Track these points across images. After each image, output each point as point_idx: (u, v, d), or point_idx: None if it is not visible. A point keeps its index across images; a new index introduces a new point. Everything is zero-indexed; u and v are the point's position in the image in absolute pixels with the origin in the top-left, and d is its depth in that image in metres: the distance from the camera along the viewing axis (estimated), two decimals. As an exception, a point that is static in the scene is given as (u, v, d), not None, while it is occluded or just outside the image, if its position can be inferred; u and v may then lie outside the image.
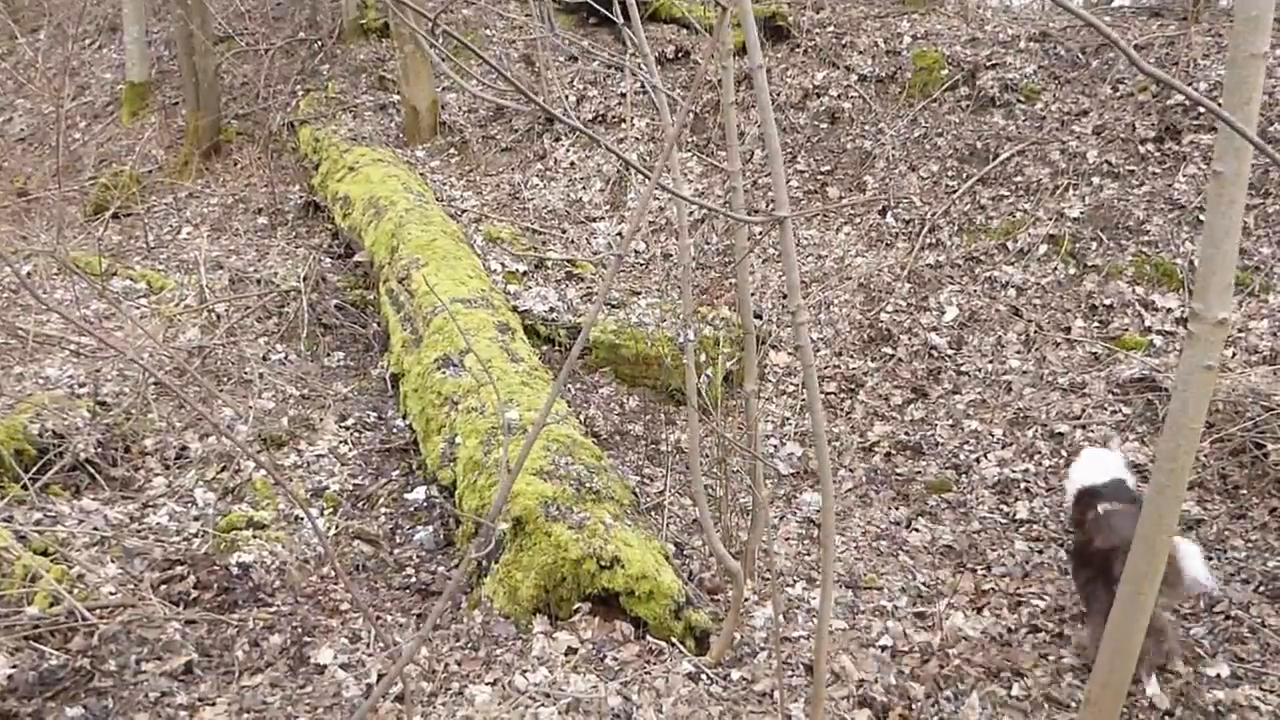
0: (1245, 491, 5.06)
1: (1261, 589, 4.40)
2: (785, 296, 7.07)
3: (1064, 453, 5.63)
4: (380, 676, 3.68)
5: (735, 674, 3.86)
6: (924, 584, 4.74)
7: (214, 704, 3.60)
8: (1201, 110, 6.87)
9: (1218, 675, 3.90)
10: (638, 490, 5.17)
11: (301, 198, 9.76)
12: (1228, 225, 2.50)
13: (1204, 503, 5.09)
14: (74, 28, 12.56)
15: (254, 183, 10.31)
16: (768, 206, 7.90)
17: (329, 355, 7.16)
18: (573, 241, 8.04)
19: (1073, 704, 3.77)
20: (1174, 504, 2.69)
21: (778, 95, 8.60)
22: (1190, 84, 7.13)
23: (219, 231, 9.59)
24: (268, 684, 3.63)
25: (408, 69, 9.47)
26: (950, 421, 6.09)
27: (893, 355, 6.67)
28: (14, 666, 3.53)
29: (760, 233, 7.54)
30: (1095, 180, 7.02)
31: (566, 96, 9.33)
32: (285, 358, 7.03)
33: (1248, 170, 2.51)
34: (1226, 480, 5.16)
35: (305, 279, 7.82)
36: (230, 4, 12.26)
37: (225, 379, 6.60)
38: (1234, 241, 2.53)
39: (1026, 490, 5.45)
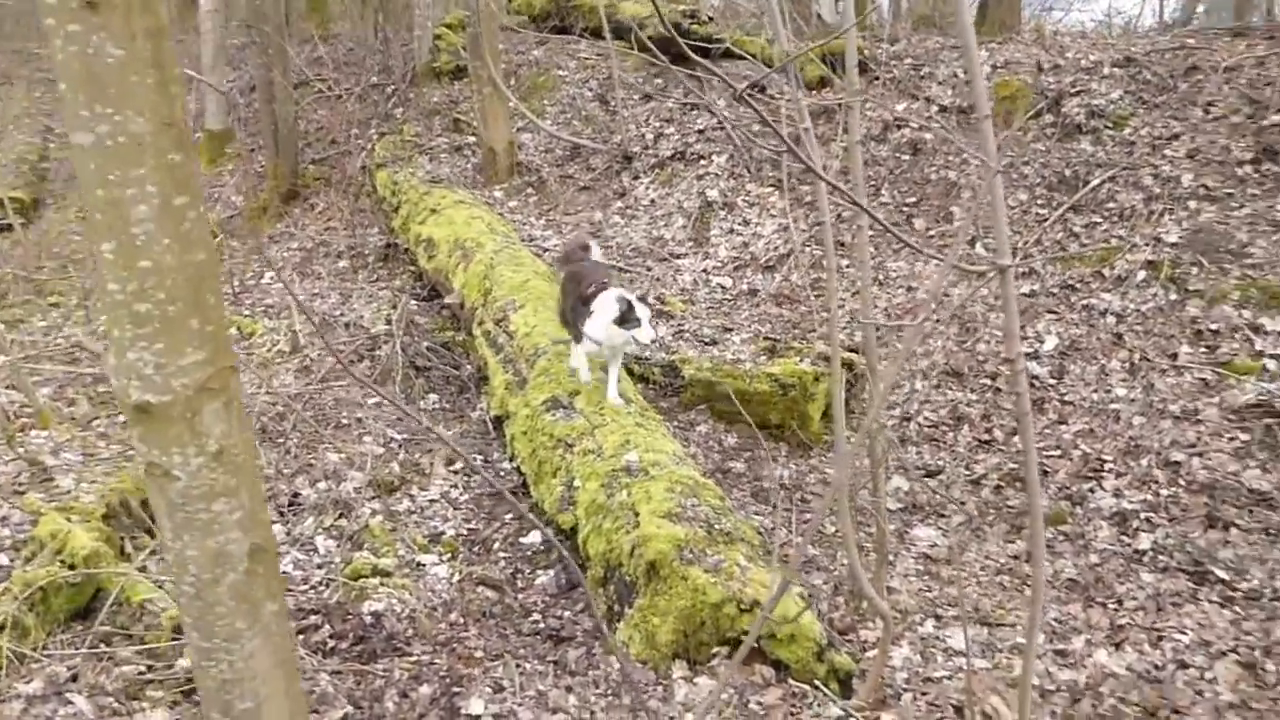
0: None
1: None
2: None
3: (1182, 482, 5.55)
4: (532, 725, 3.68)
5: (885, 717, 3.81)
6: (1055, 619, 4.67)
7: (372, 756, 3.62)
8: (1301, 131, 6.79)
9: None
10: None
11: (381, 240, 9.89)
12: None
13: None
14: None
15: (334, 226, 10.48)
16: (853, 239, 7.88)
17: (424, 398, 7.22)
18: (658, 279, 8.06)
19: (1236, 745, 3.70)
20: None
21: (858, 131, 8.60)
22: (1286, 104, 7.05)
23: (301, 275, 9.74)
24: (424, 735, 3.65)
25: (485, 111, 9.60)
26: (1059, 452, 6.02)
27: (992, 385, 6.61)
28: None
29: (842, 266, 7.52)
30: (1192, 204, 6.94)
31: (643, 134, 9.40)
32: (381, 402, 7.09)
33: None
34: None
35: (396, 321, 7.92)
36: (303, 51, 12.50)
37: (325, 424, 6.67)
38: None
39: (1147, 521, 5.37)
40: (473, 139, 10.49)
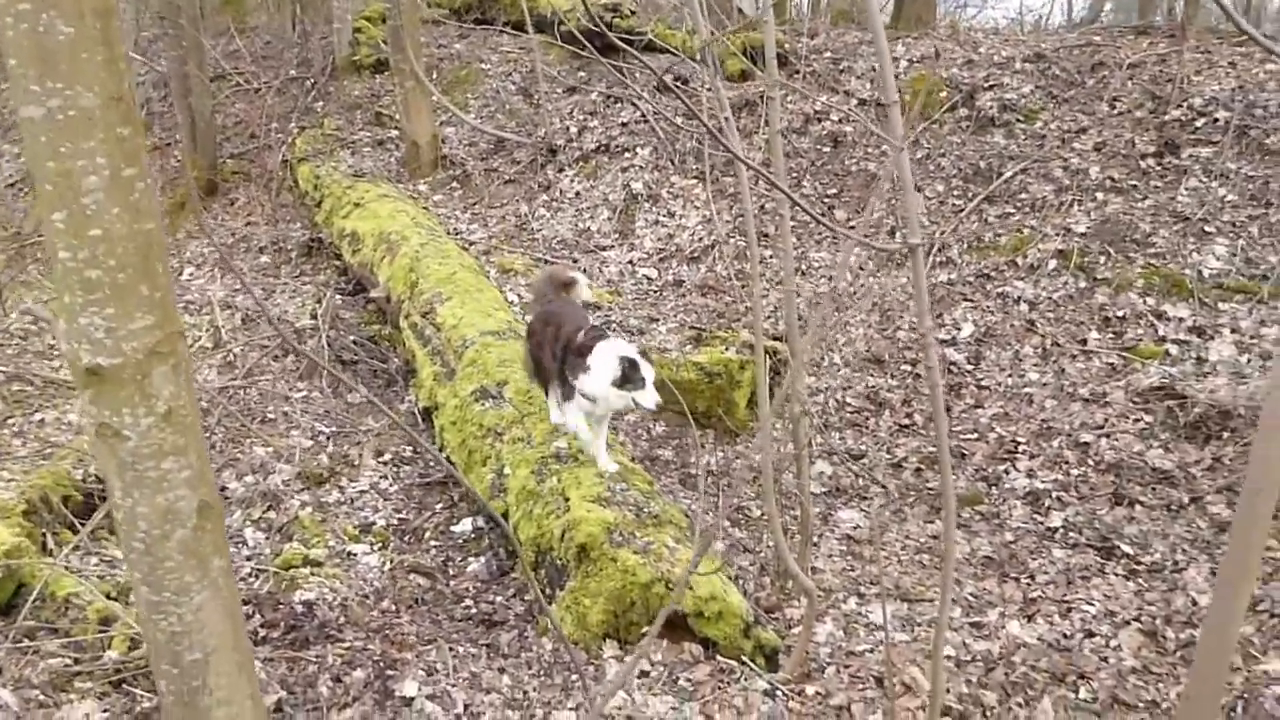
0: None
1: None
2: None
3: (1091, 462, 5.78)
4: (467, 706, 3.73)
5: (810, 689, 3.94)
6: (972, 594, 4.84)
7: (305, 741, 3.63)
8: (1199, 125, 7.09)
9: (1273, 670, 4.03)
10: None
11: (304, 235, 9.80)
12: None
13: (1234, 505, 5.25)
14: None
15: (254, 221, 10.34)
16: (775, 230, 8.03)
17: (351, 391, 7.19)
18: (585, 270, 8.12)
19: (1140, 704, 3.89)
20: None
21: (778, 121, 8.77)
22: (1185, 100, 7.36)
23: (223, 271, 9.60)
24: (358, 718, 3.67)
25: (408, 104, 9.55)
26: (975, 435, 6.22)
27: (912, 371, 6.80)
28: (105, 711, 3.55)
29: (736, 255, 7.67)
30: (1099, 196, 7.22)
31: (567, 128, 9.45)
32: (307, 395, 7.06)
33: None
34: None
35: (322, 316, 7.87)
36: (219, 44, 12.30)
37: (251, 418, 6.62)
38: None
39: (1058, 499, 5.58)
40: (395, 133, 10.44)
